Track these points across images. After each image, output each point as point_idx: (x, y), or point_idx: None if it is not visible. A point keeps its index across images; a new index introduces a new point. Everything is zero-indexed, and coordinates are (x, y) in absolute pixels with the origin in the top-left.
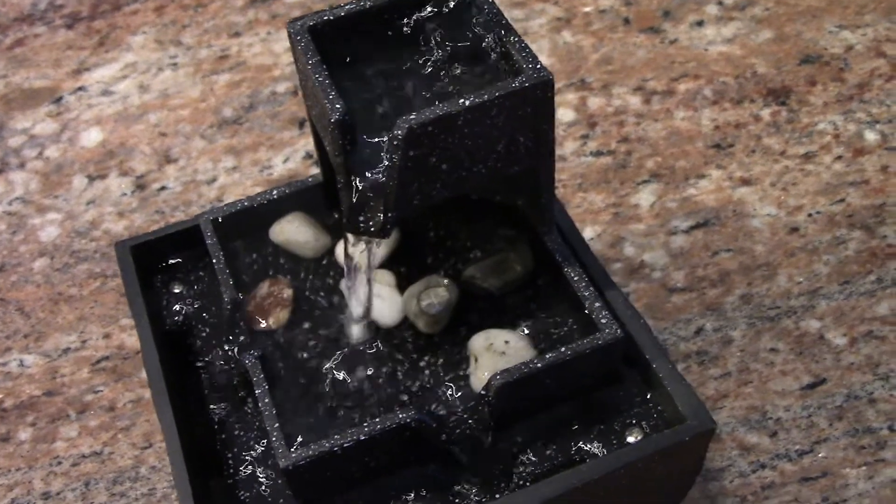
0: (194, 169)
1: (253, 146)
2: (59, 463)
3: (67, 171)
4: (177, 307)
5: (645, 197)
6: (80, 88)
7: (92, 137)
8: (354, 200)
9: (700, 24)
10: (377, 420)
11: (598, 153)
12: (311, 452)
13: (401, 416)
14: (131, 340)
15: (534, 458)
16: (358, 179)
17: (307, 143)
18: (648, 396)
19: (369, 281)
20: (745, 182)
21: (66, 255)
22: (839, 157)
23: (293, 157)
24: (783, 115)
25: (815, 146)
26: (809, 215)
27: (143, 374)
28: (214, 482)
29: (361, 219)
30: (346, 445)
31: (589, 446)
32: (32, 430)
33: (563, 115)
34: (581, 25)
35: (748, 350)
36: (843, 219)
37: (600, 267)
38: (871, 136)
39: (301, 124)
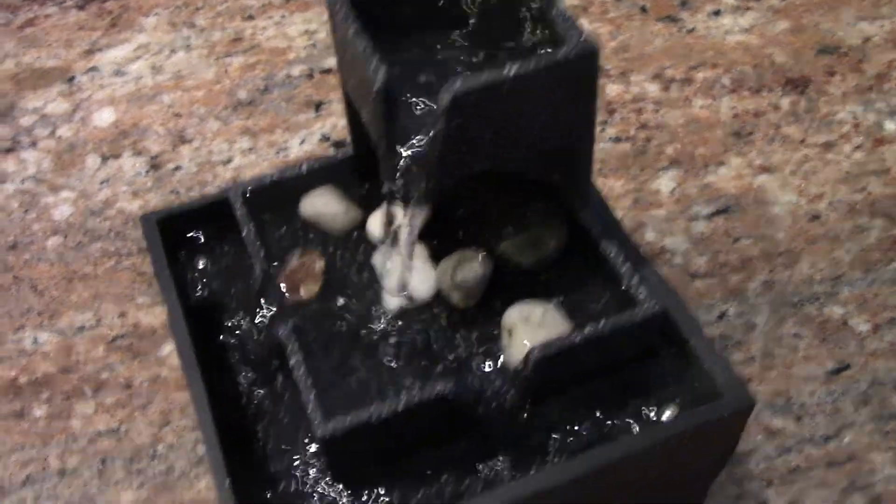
0: (209, 150)
1: (269, 128)
2: (76, 440)
3: (80, 150)
4: (201, 282)
5: (665, 183)
6: (92, 69)
7: (104, 117)
8: (398, 168)
9: (717, 13)
10: (414, 392)
11: (617, 139)
12: (348, 423)
13: (438, 388)
14: (147, 319)
15: (569, 434)
16: (401, 147)
17: (323, 126)
18: (685, 373)
19: (409, 253)
20: (766, 170)
21: (79, 234)
22: (859, 147)
23: (309, 140)
24: (802, 105)
25: (835, 135)
26: (830, 203)
27: (161, 353)
28: (243, 456)
29: (404, 187)
30: (383, 416)
31: (624, 422)
32: (48, 407)
33: None
34: (598, 13)
35: (771, 335)
36: (865, 207)
37: (633, 244)
38: (891, 127)
39: (317, 107)
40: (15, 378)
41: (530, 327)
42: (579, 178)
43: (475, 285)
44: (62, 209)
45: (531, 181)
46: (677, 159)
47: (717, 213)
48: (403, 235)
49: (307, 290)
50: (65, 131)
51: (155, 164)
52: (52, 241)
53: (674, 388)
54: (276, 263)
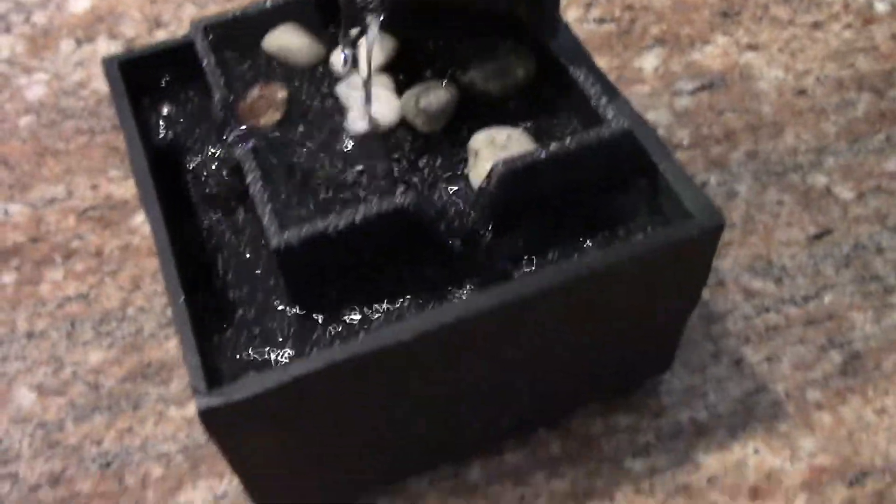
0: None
1: None
2: (44, 305)
3: (55, 35)
4: (165, 127)
5: (649, 61)
6: None
7: (80, 4)
8: None
9: None
10: (373, 203)
11: (601, 20)
12: (304, 233)
13: (398, 199)
14: (119, 192)
15: (535, 263)
16: None
17: None
18: (654, 200)
19: (369, 71)
20: (752, 48)
21: (52, 112)
22: (848, 26)
23: None
24: None
25: (824, 15)
26: (818, 79)
27: (132, 223)
28: (204, 288)
29: None
30: (340, 227)
31: (592, 250)
32: (17, 274)
33: None
34: None
35: (753, 202)
36: (852, 83)
37: (603, 75)
38: (880, 7)
39: None
40: None
41: (496, 149)
42: (546, 5)
43: (439, 110)
44: (35, 89)
45: (498, 18)
46: (662, 39)
47: (702, 88)
48: (363, 47)
49: (268, 118)
50: (39, 17)
51: (130, 48)
52: (25, 120)
53: (644, 217)
54: (235, 97)
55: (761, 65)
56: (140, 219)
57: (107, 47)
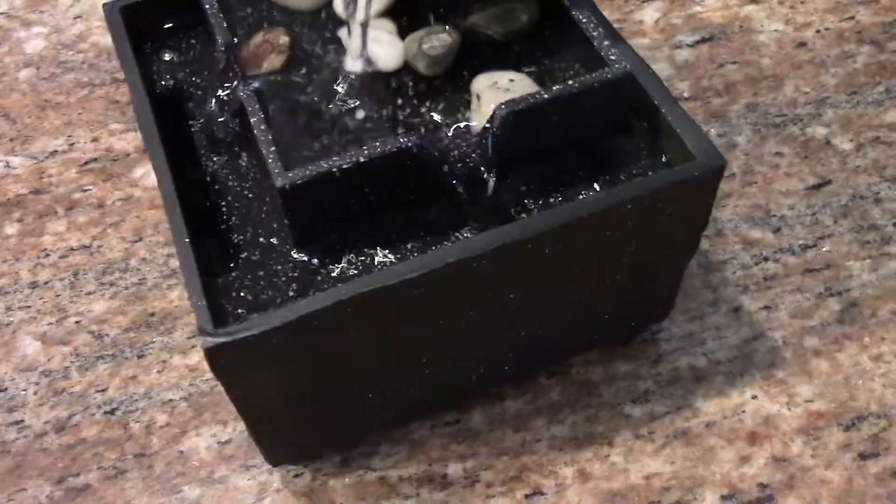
0: None
1: None
2: (47, 255)
3: None
4: (167, 73)
5: (649, 14)
6: None
7: None
8: None
9: None
10: (377, 144)
11: None
12: (308, 173)
13: (402, 140)
14: (121, 144)
15: (537, 205)
16: None
17: None
18: (657, 145)
19: (367, 13)
20: (753, 1)
21: (52, 66)
22: None
23: None
24: None
25: None
26: (818, 31)
27: (134, 175)
28: (209, 234)
29: None
30: (344, 167)
31: (596, 192)
32: (19, 226)
33: None
34: None
35: (752, 154)
36: (852, 35)
37: (605, 19)
38: None
39: None
40: None
41: (498, 92)
42: None
43: (442, 53)
44: (34, 43)
45: None
46: None
47: (702, 41)
48: None
49: (271, 63)
50: None
51: None
52: (25, 73)
53: (647, 161)
54: (239, 42)
55: (761, 17)
56: (141, 171)
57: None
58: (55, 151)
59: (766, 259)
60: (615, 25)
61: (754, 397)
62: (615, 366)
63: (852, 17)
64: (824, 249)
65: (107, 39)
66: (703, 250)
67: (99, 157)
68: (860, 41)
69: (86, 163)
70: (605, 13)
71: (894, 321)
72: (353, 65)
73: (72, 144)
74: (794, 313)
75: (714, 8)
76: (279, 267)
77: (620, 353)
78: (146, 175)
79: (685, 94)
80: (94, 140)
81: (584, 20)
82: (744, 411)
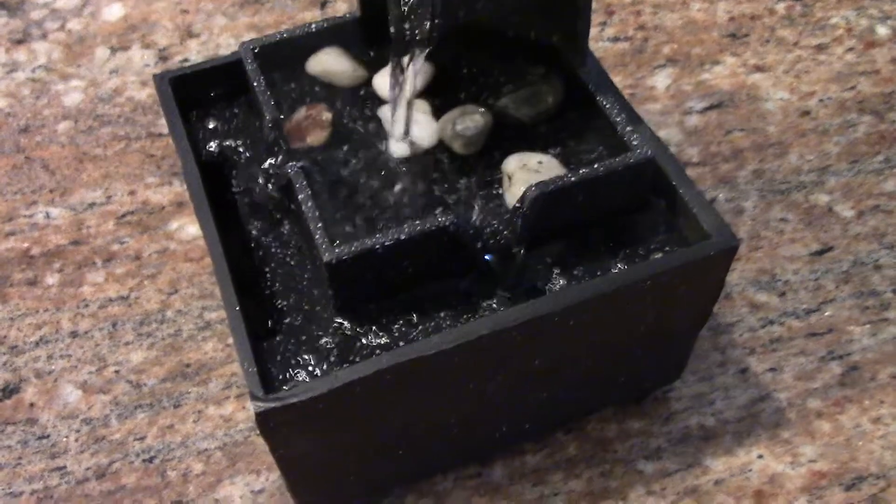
0: (216, 44)
1: (275, 24)
2: (87, 305)
3: (90, 42)
4: (213, 140)
5: (661, 80)
6: None
7: (114, 12)
8: (403, 9)
9: None
10: (417, 223)
11: (615, 39)
12: (353, 249)
13: (440, 219)
14: (156, 197)
15: (563, 278)
16: None
17: None
18: (674, 221)
19: (411, 98)
20: (759, 69)
21: (90, 119)
22: (851, 49)
23: None
24: (797, 10)
25: (828, 38)
26: (821, 100)
27: (169, 227)
28: (253, 298)
29: (408, 28)
30: (387, 244)
31: (615, 269)
32: (60, 276)
33: None
34: None
35: (759, 219)
36: (854, 104)
37: (627, 103)
38: (882, 31)
39: (323, 5)
40: (28, 249)
41: (528, 173)
42: (577, 32)
43: (476, 134)
44: (72, 96)
45: (529, 46)
46: (673, 58)
47: (711, 107)
48: (409, 76)
49: (314, 138)
50: (74, 24)
51: (163, 56)
52: (63, 126)
53: (664, 237)
54: (283, 117)
55: (767, 85)
56: (176, 224)
57: (140, 56)
58: (93, 203)
59: (771, 322)
60: (628, 91)
61: (760, 456)
62: (629, 423)
63: (853, 87)
64: (826, 314)
65: (142, 94)
66: (713, 313)
67: (135, 210)
68: (861, 111)
69: (123, 215)
70: (619, 79)
71: (893, 385)
72: (397, 146)
73: (109, 197)
74: (798, 375)
75: (722, 75)
76: (321, 332)
77: (633, 411)
78: (181, 228)
79: (694, 160)
80: (131, 193)
81: (607, 106)
82: (750, 470)
